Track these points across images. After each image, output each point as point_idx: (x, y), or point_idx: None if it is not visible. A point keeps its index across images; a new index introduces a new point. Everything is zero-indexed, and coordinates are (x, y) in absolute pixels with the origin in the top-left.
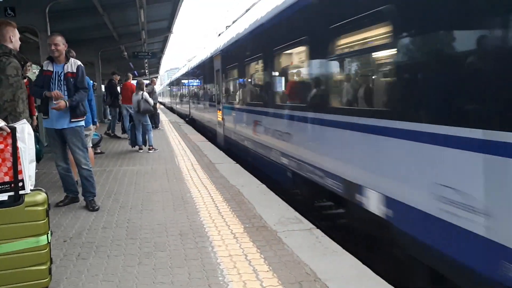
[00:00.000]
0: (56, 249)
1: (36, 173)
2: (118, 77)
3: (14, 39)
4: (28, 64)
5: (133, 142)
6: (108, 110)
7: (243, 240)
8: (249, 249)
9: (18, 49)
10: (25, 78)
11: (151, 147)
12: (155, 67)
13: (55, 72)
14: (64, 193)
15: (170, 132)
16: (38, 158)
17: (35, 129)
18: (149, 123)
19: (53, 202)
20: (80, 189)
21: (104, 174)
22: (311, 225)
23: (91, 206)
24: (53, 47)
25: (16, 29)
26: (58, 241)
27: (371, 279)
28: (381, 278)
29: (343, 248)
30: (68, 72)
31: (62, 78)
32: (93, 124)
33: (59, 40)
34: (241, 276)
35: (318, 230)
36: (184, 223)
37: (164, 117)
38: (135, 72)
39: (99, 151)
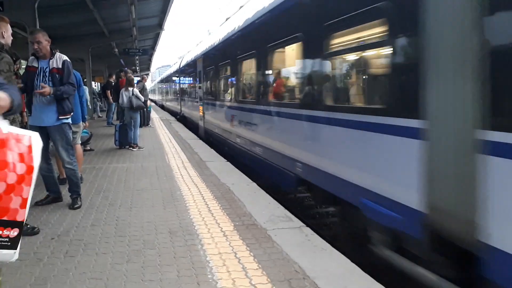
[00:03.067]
0: (43, 246)
1: None
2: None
3: (6, 34)
4: (18, 61)
5: (121, 143)
6: (98, 107)
7: (232, 238)
8: (238, 247)
9: (10, 45)
10: (16, 74)
11: (135, 145)
12: (146, 64)
13: (40, 68)
14: (46, 192)
15: (161, 130)
16: None
17: (24, 126)
18: (139, 120)
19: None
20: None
21: (94, 171)
22: (300, 223)
23: (72, 204)
24: (35, 46)
25: (8, 25)
26: (46, 238)
27: (360, 277)
28: (370, 276)
29: (333, 246)
30: (54, 67)
31: (47, 74)
32: (82, 121)
33: (41, 37)
34: (230, 274)
35: (308, 228)
36: (173, 221)
37: (154, 115)
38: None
39: (88, 148)
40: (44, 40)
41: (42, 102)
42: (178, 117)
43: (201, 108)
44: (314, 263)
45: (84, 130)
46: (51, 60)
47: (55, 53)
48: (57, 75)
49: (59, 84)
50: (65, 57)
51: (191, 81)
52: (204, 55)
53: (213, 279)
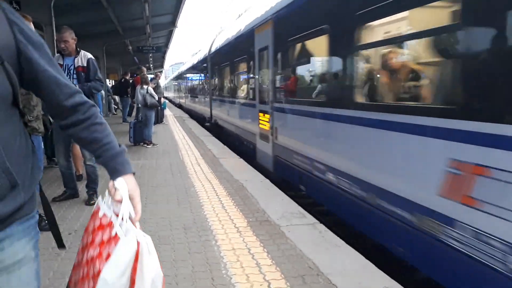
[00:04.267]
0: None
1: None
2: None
3: None
4: None
5: (135, 140)
6: (112, 104)
7: (246, 234)
8: (252, 243)
9: None
10: None
11: (149, 142)
12: (160, 61)
13: (65, 65)
14: (64, 188)
15: (175, 127)
16: None
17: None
18: (153, 117)
19: (56, 196)
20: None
21: None
22: (314, 220)
23: (88, 200)
24: (62, 45)
25: (31, 23)
26: (63, 234)
27: (374, 273)
28: (384, 273)
29: (347, 243)
30: (79, 66)
31: (72, 71)
32: None
33: (67, 35)
34: (244, 270)
35: (322, 225)
36: (188, 217)
37: (168, 112)
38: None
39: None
40: (70, 39)
41: None
42: (207, 124)
43: (266, 117)
44: (328, 259)
45: None
46: (76, 58)
47: (80, 51)
48: (82, 73)
49: (84, 81)
50: (89, 55)
51: (239, 73)
52: (211, 57)
53: (227, 274)
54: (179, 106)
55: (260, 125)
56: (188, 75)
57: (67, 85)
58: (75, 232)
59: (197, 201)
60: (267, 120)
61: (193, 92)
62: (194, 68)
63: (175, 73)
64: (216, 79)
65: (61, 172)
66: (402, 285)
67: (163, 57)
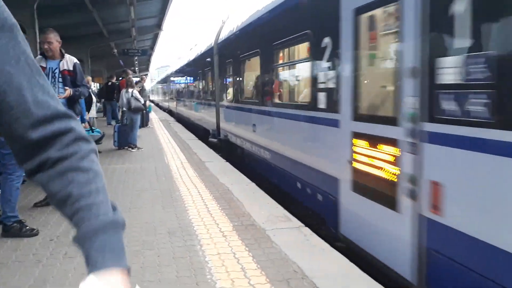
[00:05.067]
0: (42, 248)
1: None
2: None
3: None
4: None
5: (120, 144)
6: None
7: (231, 238)
8: (237, 247)
9: None
10: None
11: (134, 146)
12: (145, 64)
13: (49, 68)
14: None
15: (160, 130)
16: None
17: None
18: (139, 121)
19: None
20: None
21: None
22: (299, 223)
23: None
24: (46, 46)
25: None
26: (45, 240)
27: (359, 277)
28: (369, 276)
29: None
30: (65, 69)
31: (57, 75)
32: (82, 122)
33: (52, 37)
34: (229, 274)
35: (307, 228)
36: (172, 221)
37: (154, 115)
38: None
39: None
40: (55, 41)
41: None
42: (213, 139)
43: (388, 151)
44: (313, 263)
45: (97, 129)
46: (61, 62)
47: (65, 54)
48: (68, 77)
49: (71, 85)
50: (75, 59)
51: (288, 66)
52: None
53: (212, 279)
54: (169, 112)
55: (357, 164)
56: (181, 75)
57: (40, 103)
58: (57, 238)
59: (182, 206)
60: (394, 158)
61: (188, 96)
62: (190, 66)
63: (165, 74)
64: (229, 78)
65: None
66: None
67: (149, 60)
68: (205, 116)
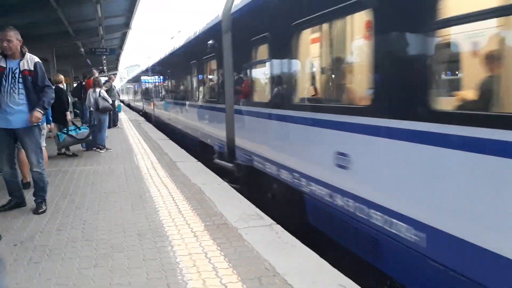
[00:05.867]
0: (5, 253)
1: None
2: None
3: None
4: None
5: (88, 145)
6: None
7: (203, 238)
8: (209, 247)
9: None
10: None
11: (103, 147)
12: (114, 63)
13: (9, 68)
14: (9, 197)
15: (130, 130)
16: None
17: None
18: (107, 121)
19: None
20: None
21: (60, 174)
22: (271, 221)
23: (36, 209)
24: (5, 44)
25: None
26: (8, 245)
27: (329, 273)
28: (339, 272)
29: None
30: (25, 69)
31: (17, 75)
32: (47, 123)
33: (12, 35)
34: (200, 274)
35: (278, 226)
36: (142, 223)
37: (123, 115)
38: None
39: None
40: (15, 39)
41: (13, 103)
42: (218, 161)
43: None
44: (284, 260)
45: (83, 126)
46: (21, 61)
47: (25, 53)
48: (29, 77)
49: (31, 86)
50: (36, 59)
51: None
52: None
53: (183, 280)
54: (144, 114)
55: None
56: (161, 70)
57: None
58: (21, 243)
59: (152, 207)
60: None
61: (170, 95)
62: (176, 56)
63: (138, 70)
64: (255, 67)
65: (5, 180)
66: (356, 282)
67: (118, 59)
68: (203, 125)
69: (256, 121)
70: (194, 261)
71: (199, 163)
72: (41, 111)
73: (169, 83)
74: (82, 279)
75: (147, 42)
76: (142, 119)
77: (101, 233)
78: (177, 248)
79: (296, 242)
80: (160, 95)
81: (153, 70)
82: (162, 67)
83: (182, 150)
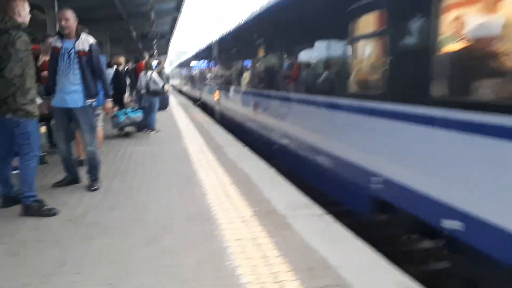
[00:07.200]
0: (61, 228)
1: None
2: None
3: (23, 13)
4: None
5: (139, 127)
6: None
7: (251, 224)
8: (258, 233)
9: (27, 24)
10: (33, 55)
11: (153, 129)
12: (164, 49)
13: (64, 48)
14: (65, 173)
15: (179, 114)
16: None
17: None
18: (157, 104)
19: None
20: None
21: (111, 153)
22: (320, 211)
23: (89, 187)
24: (63, 22)
25: (26, 3)
26: (63, 220)
27: (384, 268)
28: (394, 267)
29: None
30: (80, 50)
31: (72, 56)
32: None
33: (70, 14)
34: (249, 261)
35: (328, 216)
36: (190, 205)
37: (172, 98)
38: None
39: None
40: (72, 19)
41: (69, 83)
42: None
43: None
44: (336, 252)
45: (138, 110)
46: (76, 42)
47: (81, 34)
48: (84, 58)
49: (86, 66)
50: (91, 40)
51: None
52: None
53: (233, 265)
54: (201, 105)
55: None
56: (237, 45)
57: None
58: (76, 218)
59: (200, 190)
60: None
61: (265, 80)
62: (266, 26)
63: (196, 49)
64: None
65: (61, 157)
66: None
67: (167, 45)
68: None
69: None
70: (242, 247)
71: (246, 148)
72: (110, 100)
73: (250, 63)
74: (132, 258)
75: (194, 31)
76: (190, 102)
77: (150, 213)
78: (226, 233)
79: (348, 235)
80: (235, 82)
81: (223, 46)
82: (232, 44)
83: (230, 135)
